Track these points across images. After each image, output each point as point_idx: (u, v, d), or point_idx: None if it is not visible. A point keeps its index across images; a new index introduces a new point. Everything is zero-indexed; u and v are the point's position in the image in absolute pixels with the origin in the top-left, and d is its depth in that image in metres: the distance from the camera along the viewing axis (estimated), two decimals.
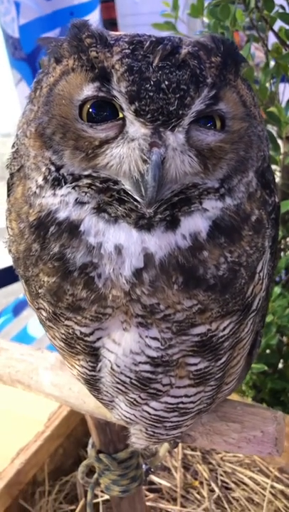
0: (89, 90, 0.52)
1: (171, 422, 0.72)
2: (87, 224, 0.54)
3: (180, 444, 1.60)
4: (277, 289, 1.32)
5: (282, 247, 1.49)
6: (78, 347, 0.65)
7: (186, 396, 0.68)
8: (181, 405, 0.69)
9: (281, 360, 1.52)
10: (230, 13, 1.12)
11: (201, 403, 0.71)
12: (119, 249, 0.53)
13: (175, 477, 1.55)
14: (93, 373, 0.68)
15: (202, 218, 0.54)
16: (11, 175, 0.62)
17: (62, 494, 1.53)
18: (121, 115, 0.52)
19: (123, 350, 0.62)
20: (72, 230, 0.54)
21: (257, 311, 0.66)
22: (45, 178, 0.56)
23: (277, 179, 1.36)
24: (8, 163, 0.62)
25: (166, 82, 0.49)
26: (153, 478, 1.55)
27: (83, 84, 0.53)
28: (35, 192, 0.56)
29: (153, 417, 0.71)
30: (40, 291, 0.60)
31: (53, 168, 0.55)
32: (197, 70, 0.51)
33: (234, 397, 1.45)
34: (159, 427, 0.73)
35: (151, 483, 1.55)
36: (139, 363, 0.63)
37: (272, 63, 1.30)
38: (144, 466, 1.15)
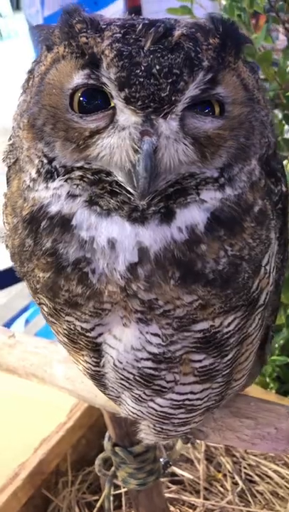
0: (79, 78, 0.50)
1: (179, 418, 0.70)
2: (79, 217, 0.52)
3: None
4: None
5: None
6: (81, 342, 0.64)
7: (192, 393, 0.66)
8: (187, 402, 0.67)
9: None
10: None
11: (209, 400, 0.69)
12: (112, 243, 0.51)
13: (198, 469, 1.54)
14: (97, 369, 0.67)
15: (199, 210, 0.52)
16: (9, 168, 0.60)
17: (86, 484, 1.53)
18: (112, 104, 0.49)
19: (124, 346, 0.60)
20: (64, 224, 0.52)
21: (265, 306, 0.63)
22: (38, 171, 0.54)
23: None
24: (4, 156, 0.60)
25: (158, 67, 0.46)
26: (175, 469, 1.54)
27: (73, 72, 0.51)
28: (28, 185, 0.55)
29: (159, 413, 0.69)
30: (38, 286, 0.59)
31: (45, 161, 0.54)
32: (192, 52, 0.48)
33: (257, 390, 1.43)
34: (167, 424, 0.72)
35: (174, 474, 1.54)
36: (141, 359, 0.61)
37: None
38: (162, 459, 1.14)
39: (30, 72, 0.56)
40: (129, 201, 0.51)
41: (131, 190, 0.49)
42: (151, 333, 0.58)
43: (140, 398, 0.68)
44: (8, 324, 2.61)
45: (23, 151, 0.56)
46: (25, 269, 0.57)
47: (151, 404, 0.68)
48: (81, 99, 0.51)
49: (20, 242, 0.56)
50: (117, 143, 0.49)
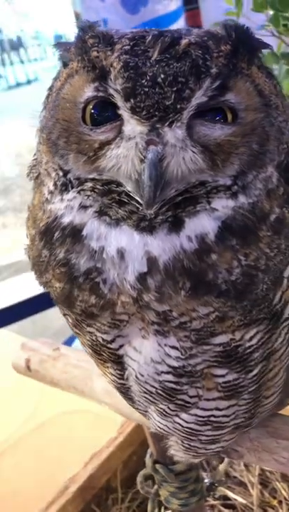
0: (89, 91, 0.51)
1: (206, 435, 0.68)
2: (89, 228, 0.52)
3: None
4: None
5: None
6: (104, 354, 0.64)
7: (218, 409, 0.64)
8: (213, 418, 0.65)
9: None
10: None
11: (237, 417, 0.67)
12: (121, 253, 0.51)
13: (251, 494, 1.48)
14: (122, 382, 0.66)
15: (209, 218, 0.50)
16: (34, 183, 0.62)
17: (136, 503, 1.52)
18: (120, 116, 0.50)
19: (144, 359, 0.60)
20: (75, 234, 0.53)
21: None
22: (55, 184, 0.56)
23: None
24: (28, 171, 0.62)
25: (163, 76, 0.46)
26: (228, 493, 1.49)
27: (85, 86, 0.52)
28: (46, 198, 0.56)
29: (186, 429, 0.67)
30: (56, 297, 0.60)
31: (61, 173, 0.55)
32: (200, 60, 0.48)
33: None
34: (194, 440, 0.70)
35: (226, 498, 1.49)
36: (162, 372, 0.60)
37: None
38: (206, 480, 1.11)
39: (50, 89, 0.58)
40: (137, 211, 0.50)
41: (139, 200, 0.49)
42: (170, 346, 0.57)
43: (165, 413, 0.66)
44: (69, 342, 2.66)
45: (43, 165, 0.57)
46: (44, 279, 0.58)
47: (176, 419, 0.67)
48: (92, 111, 0.52)
49: (38, 253, 0.57)
50: (124, 153, 0.49)
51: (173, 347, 0.57)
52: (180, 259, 0.50)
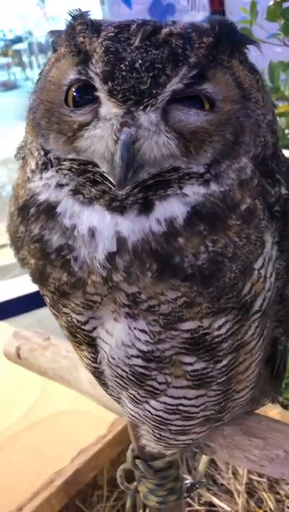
0: (73, 74, 0.53)
1: (176, 425, 0.69)
2: (63, 206, 0.54)
3: (245, 468, 1.52)
4: None
5: None
6: (79, 336, 0.65)
7: (186, 398, 0.64)
8: (182, 408, 0.66)
9: None
10: None
11: (206, 409, 0.67)
12: (92, 232, 0.53)
13: (237, 502, 1.47)
14: (96, 365, 0.68)
15: (179, 203, 0.52)
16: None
17: (121, 502, 1.52)
18: (99, 99, 0.52)
19: (116, 342, 0.61)
20: (49, 211, 0.55)
21: (263, 313, 0.61)
22: (36, 163, 0.57)
23: None
24: (16, 151, 0.64)
25: (140, 61, 0.48)
26: (214, 500, 1.48)
27: (69, 69, 0.54)
28: (28, 177, 0.58)
29: (155, 417, 0.68)
30: (32, 277, 0.61)
31: (42, 153, 0.57)
32: (179, 49, 0.49)
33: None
34: (164, 430, 0.70)
35: (212, 505, 1.48)
36: (132, 356, 0.61)
37: None
38: (188, 481, 1.11)
39: (40, 73, 0.60)
40: (109, 191, 0.52)
41: (112, 181, 0.51)
42: (139, 330, 0.58)
43: (136, 399, 0.67)
44: None
45: (28, 145, 0.59)
46: (21, 255, 0.60)
47: (146, 406, 0.67)
48: (74, 94, 0.54)
49: (15, 229, 0.59)
50: (100, 134, 0.51)
51: (142, 330, 0.58)
52: (148, 241, 0.51)
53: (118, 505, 1.51)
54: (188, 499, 1.46)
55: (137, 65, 0.48)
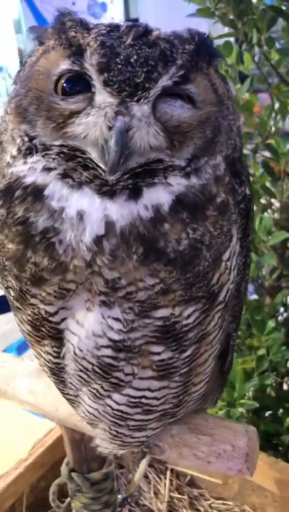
0: (64, 65, 0.56)
1: (135, 420, 0.70)
2: (51, 188, 0.55)
3: (167, 487, 1.53)
4: (271, 323, 1.30)
5: (282, 285, 1.48)
6: (43, 330, 0.65)
7: (149, 390, 0.66)
8: (144, 400, 0.67)
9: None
10: (233, 51, 1.17)
11: (166, 402, 0.69)
12: (80, 215, 0.54)
13: None
14: (58, 360, 0.67)
15: (165, 192, 0.55)
16: None
17: None
18: (92, 89, 0.54)
19: (86, 332, 0.62)
20: (36, 193, 0.56)
21: (225, 305, 0.65)
22: (18, 149, 0.59)
23: (276, 214, 1.37)
24: None
25: (135, 57, 0.52)
26: None
27: (60, 60, 0.57)
28: (8, 162, 0.59)
29: (116, 412, 0.69)
30: (6, 263, 0.61)
31: (26, 139, 0.58)
32: (167, 51, 0.54)
33: None
34: (122, 426, 0.71)
35: None
36: (101, 346, 0.62)
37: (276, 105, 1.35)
38: (120, 496, 1.11)
39: (23, 64, 0.62)
40: (100, 176, 0.54)
41: (102, 166, 0.53)
42: (113, 318, 0.60)
43: (98, 394, 0.68)
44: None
45: (8, 132, 0.60)
46: None
47: (108, 401, 0.68)
48: (64, 85, 0.56)
49: None
50: (94, 121, 0.54)
51: (116, 319, 0.60)
52: (136, 226, 0.54)
53: None
54: None
55: (132, 60, 0.52)
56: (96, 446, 0.80)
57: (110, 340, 0.61)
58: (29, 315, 0.65)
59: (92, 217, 0.54)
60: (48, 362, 0.69)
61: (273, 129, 1.32)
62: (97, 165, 0.54)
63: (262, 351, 1.29)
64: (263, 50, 1.18)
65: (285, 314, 1.49)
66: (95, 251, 0.55)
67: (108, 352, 0.62)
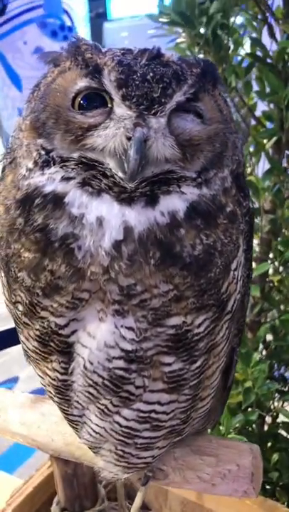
0: (82, 82, 0.59)
1: (143, 437, 0.69)
2: (71, 196, 0.57)
3: None
4: (256, 355, 1.31)
5: (262, 320, 1.51)
6: (52, 344, 0.64)
7: (159, 403, 0.66)
8: (153, 415, 0.67)
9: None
10: None
11: (175, 417, 0.69)
12: (100, 221, 0.56)
13: None
14: (65, 377, 0.67)
15: (179, 199, 0.58)
16: (3, 168, 0.66)
17: None
18: (110, 105, 0.58)
19: (97, 344, 0.62)
20: (56, 201, 0.57)
21: (232, 316, 0.67)
22: (35, 162, 0.60)
23: (258, 248, 1.41)
24: (1, 158, 0.66)
25: (151, 74, 0.56)
26: None
27: (77, 79, 0.60)
28: (24, 175, 0.60)
29: (124, 429, 0.68)
30: (19, 274, 0.61)
31: (43, 152, 0.60)
32: (179, 71, 0.59)
33: None
34: (130, 445, 0.70)
35: None
36: (113, 358, 0.62)
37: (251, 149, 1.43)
38: None
39: (36, 85, 0.65)
40: (119, 183, 0.57)
41: (120, 175, 0.56)
42: (126, 327, 0.60)
43: (106, 410, 0.67)
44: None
45: (22, 148, 0.62)
46: (11, 251, 0.60)
47: (116, 418, 0.67)
48: (81, 102, 0.59)
49: (11, 221, 0.59)
50: (113, 133, 0.57)
51: (129, 328, 0.60)
52: (153, 231, 0.56)
53: None
54: None
55: (149, 77, 0.56)
56: (100, 470, 0.77)
57: (122, 350, 0.61)
58: (37, 329, 0.65)
59: (111, 223, 0.56)
60: (53, 380, 0.68)
61: (249, 169, 1.39)
62: (114, 175, 0.57)
63: (248, 383, 1.29)
64: (240, 93, 1.26)
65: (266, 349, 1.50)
66: (113, 256, 0.56)
67: (120, 363, 0.62)
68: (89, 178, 0.58)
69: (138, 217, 0.56)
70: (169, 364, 0.64)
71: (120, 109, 0.56)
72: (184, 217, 0.57)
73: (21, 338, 0.70)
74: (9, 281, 0.65)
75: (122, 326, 0.60)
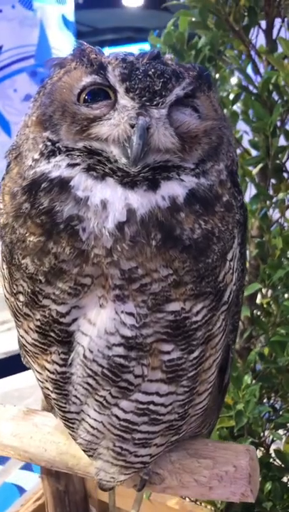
0: (88, 79, 0.64)
1: (141, 432, 0.69)
2: (77, 180, 0.60)
3: None
4: (247, 378, 1.31)
5: (251, 347, 1.51)
6: (52, 334, 0.65)
7: (158, 394, 0.66)
8: (152, 407, 0.67)
9: None
10: None
11: (173, 411, 0.69)
12: (104, 204, 0.59)
13: None
14: (64, 369, 0.67)
15: (179, 185, 0.61)
16: (8, 163, 0.69)
17: None
18: (113, 98, 0.62)
19: (98, 331, 0.63)
20: (62, 185, 0.60)
21: (228, 307, 0.68)
22: (41, 153, 0.63)
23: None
24: (6, 154, 0.69)
25: (153, 70, 0.61)
26: None
27: (82, 76, 0.64)
28: (30, 165, 0.63)
29: (122, 423, 0.68)
30: (23, 261, 0.63)
31: (49, 143, 0.63)
32: (178, 70, 0.64)
33: None
34: (128, 440, 0.69)
35: None
36: (113, 345, 0.63)
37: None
38: None
39: (43, 86, 0.69)
40: (123, 168, 0.60)
41: (124, 161, 0.59)
42: (126, 313, 0.61)
43: (105, 402, 0.67)
44: None
45: (29, 141, 0.65)
46: (16, 236, 0.62)
47: (115, 410, 0.67)
48: (86, 97, 0.63)
49: (18, 206, 0.62)
50: (117, 122, 0.60)
51: (129, 313, 0.61)
52: (155, 213, 0.59)
53: None
54: None
55: (150, 73, 0.61)
56: (96, 473, 0.76)
57: (122, 337, 0.62)
58: (38, 320, 0.65)
59: (114, 205, 0.59)
60: (52, 373, 0.69)
61: None
62: (117, 160, 0.60)
63: (240, 406, 1.28)
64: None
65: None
66: (116, 237, 0.58)
67: (119, 351, 0.63)
68: (94, 164, 0.61)
69: (140, 200, 0.59)
70: (168, 352, 0.64)
71: (124, 101, 0.60)
72: (183, 202, 0.60)
73: (20, 332, 0.71)
74: (11, 272, 0.66)
75: (122, 312, 0.62)
